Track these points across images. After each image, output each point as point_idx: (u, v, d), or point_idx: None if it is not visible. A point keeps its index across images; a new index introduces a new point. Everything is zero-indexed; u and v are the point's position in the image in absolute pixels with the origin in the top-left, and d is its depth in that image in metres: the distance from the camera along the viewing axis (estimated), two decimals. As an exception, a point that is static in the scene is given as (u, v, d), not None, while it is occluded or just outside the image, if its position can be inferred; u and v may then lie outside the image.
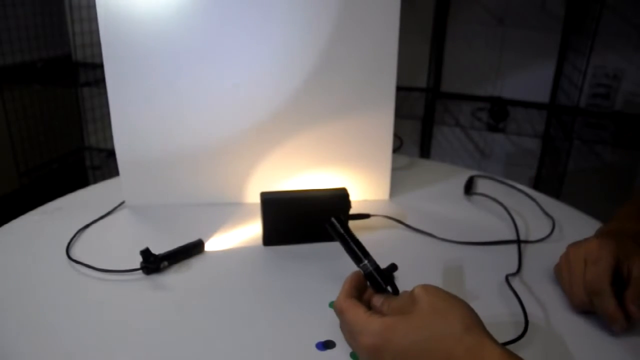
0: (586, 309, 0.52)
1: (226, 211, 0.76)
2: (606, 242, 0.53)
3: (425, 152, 1.94)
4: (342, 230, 0.49)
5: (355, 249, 0.48)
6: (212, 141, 0.75)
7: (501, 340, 0.48)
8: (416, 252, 0.66)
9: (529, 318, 0.52)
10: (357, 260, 0.47)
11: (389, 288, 0.46)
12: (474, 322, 0.39)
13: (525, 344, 0.49)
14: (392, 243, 0.68)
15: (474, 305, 0.41)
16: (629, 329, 0.50)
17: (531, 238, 0.70)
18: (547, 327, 0.52)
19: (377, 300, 0.45)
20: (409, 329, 0.39)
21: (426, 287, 0.41)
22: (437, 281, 0.51)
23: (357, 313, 0.42)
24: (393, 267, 0.47)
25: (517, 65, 1.77)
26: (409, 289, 0.43)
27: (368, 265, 0.46)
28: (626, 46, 1.60)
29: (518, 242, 0.68)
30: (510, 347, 0.49)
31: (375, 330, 0.40)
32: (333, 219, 0.49)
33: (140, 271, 0.60)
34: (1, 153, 1.89)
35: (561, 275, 0.57)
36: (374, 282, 0.46)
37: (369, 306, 0.45)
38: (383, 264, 0.47)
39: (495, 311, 0.54)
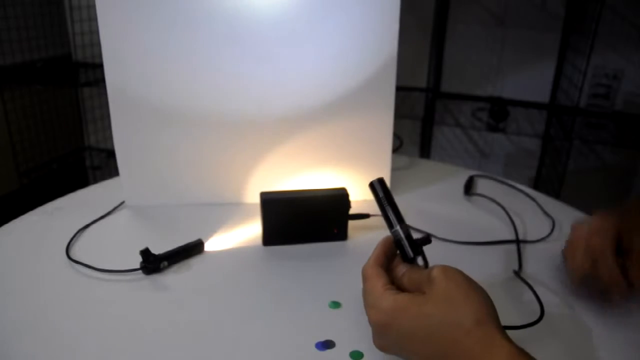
0: (585, 275, 0.53)
1: (226, 211, 0.76)
2: (609, 215, 0.55)
3: (425, 152, 1.94)
4: (381, 194, 0.48)
5: (390, 213, 0.47)
6: (212, 141, 0.75)
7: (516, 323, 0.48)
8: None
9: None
10: (390, 225, 0.46)
11: (420, 260, 0.45)
12: (488, 315, 0.38)
13: (537, 335, 0.49)
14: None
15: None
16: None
17: (531, 238, 0.70)
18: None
19: (400, 270, 0.44)
20: (418, 313, 0.39)
21: (446, 270, 0.40)
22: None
23: (375, 285, 0.42)
24: (426, 239, 0.46)
25: (517, 65, 1.77)
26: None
27: (399, 231, 0.45)
28: (626, 46, 1.60)
29: (517, 242, 0.68)
30: (527, 331, 0.49)
31: (386, 307, 0.40)
32: (375, 181, 0.49)
33: (140, 271, 0.60)
34: (1, 153, 1.89)
35: (566, 251, 0.57)
36: (403, 250, 0.45)
37: (393, 274, 0.45)
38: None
39: (500, 308, 0.54)
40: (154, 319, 0.52)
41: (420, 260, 0.45)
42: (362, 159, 0.79)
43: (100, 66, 0.70)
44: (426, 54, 1.85)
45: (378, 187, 0.49)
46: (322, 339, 0.49)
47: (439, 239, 0.69)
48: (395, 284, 0.44)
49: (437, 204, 0.81)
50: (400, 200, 0.80)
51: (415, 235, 0.47)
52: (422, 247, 0.46)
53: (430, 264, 0.45)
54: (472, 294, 0.39)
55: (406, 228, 0.46)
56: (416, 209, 0.78)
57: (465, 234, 0.70)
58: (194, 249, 0.64)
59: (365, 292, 0.43)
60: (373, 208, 0.77)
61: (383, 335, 0.41)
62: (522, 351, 0.36)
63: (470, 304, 0.38)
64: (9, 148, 1.89)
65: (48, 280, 0.59)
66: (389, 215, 0.47)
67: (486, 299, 0.40)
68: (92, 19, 1.85)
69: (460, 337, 0.37)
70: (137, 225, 0.73)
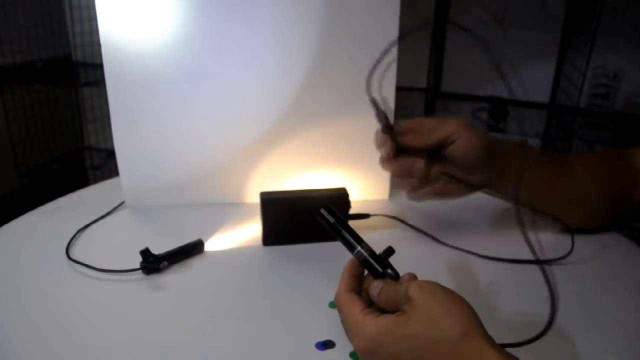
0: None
1: (226, 211, 0.76)
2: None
3: (425, 152, 1.94)
4: (332, 220, 0.48)
5: (347, 236, 0.47)
6: (212, 141, 0.75)
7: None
8: (417, 250, 0.66)
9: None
10: (350, 248, 0.47)
11: (390, 272, 0.45)
12: (472, 326, 0.37)
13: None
14: (392, 242, 0.68)
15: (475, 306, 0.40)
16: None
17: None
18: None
19: (375, 287, 0.44)
20: (402, 335, 0.38)
21: (422, 287, 0.40)
22: (439, 279, 0.51)
23: (353, 312, 0.42)
24: (389, 251, 0.46)
25: (517, 65, 1.77)
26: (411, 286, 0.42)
27: (362, 251, 0.46)
28: (626, 46, 1.60)
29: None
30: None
31: (368, 334, 0.40)
32: (322, 210, 0.49)
33: (140, 271, 0.60)
34: (1, 153, 1.89)
35: None
36: (370, 268, 0.45)
37: (368, 295, 0.44)
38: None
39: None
40: (154, 319, 0.52)
41: (390, 273, 0.45)
42: (362, 159, 0.79)
43: (100, 66, 0.70)
44: (426, 54, 1.85)
45: (327, 216, 0.48)
46: (322, 339, 0.49)
47: (439, 242, 0.69)
48: (374, 304, 0.44)
49: (437, 203, 0.80)
50: (400, 199, 0.81)
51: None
52: (387, 260, 0.46)
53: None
54: (453, 306, 0.38)
55: (367, 246, 0.46)
56: (416, 209, 0.78)
57: (465, 234, 0.70)
58: (194, 249, 0.64)
59: (344, 321, 0.43)
60: (373, 208, 0.77)
61: None
62: (511, 357, 0.36)
63: (452, 318, 0.38)
64: (9, 148, 1.89)
65: (48, 280, 0.59)
66: (347, 238, 0.47)
67: (468, 310, 0.39)
68: (92, 19, 1.85)
69: (448, 353, 0.36)
70: (137, 225, 0.73)
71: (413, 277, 0.44)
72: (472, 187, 0.64)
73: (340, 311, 0.43)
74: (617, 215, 0.69)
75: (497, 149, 0.63)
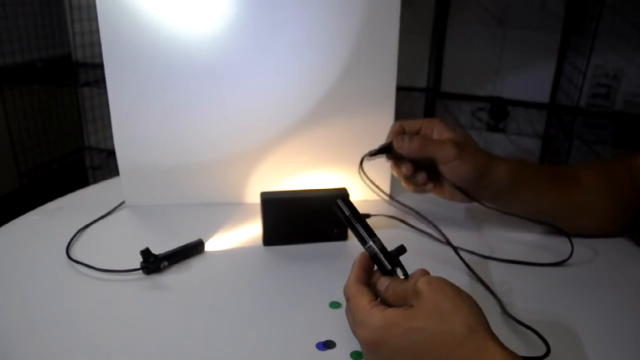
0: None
1: (226, 211, 0.76)
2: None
3: (425, 152, 1.94)
4: (347, 212, 0.48)
5: (361, 230, 0.47)
6: (212, 141, 0.75)
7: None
8: (418, 250, 0.66)
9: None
10: (363, 242, 0.47)
11: (399, 271, 0.45)
12: (479, 323, 0.38)
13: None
14: (393, 242, 0.68)
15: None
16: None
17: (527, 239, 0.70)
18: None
19: (382, 284, 0.44)
20: (409, 328, 0.38)
21: (431, 282, 0.40)
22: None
23: (361, 302, 0.42)
24: (401, 250, 0.46)
25: (517, 65, 1.77)
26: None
27: (373, 246, 0.45)
28: (626, 46, 1.60)
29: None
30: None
31: (375, 325, 0.40)
32: (339, 201, 0.49)
33: (140, 271, 0.60)
34: (1, 153, 1.89)
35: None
36: (380, 264, 0.45)
37: (375, 290, 0.44)
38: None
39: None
40: (154, 319, 0.52)
41: (399, 272, 0.45)
42: (362, 159, 0.79)
43: (100, 66, 0.70)
44: (426, 54, 1.85)
45: (344, 206, 0.48)
46: (323, 339, 0.49)
47: (440, 241, 0.69)
48: (380, 299, 0.43)
49: (436, 203, 0.80)
50: (400, 200, 0.81)
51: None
52: (398, 258, 0.45)
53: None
54: (460, 303, 0.39)
55: (379, 242, 0.46)
56: (417, 209, 0.78)
57: (464, 234, 0.70)
58: (194, 249, 0.64)
59: (351, 311, 0.43)
60: (373, 208, 0.77)
61: (375, 353, 0.40)
62: (516, 356, 0.36)
63: (460, 313, 0.38)
64: (9, 148, 1.89)
65: (48, 280, 0.59)
66: (360, 232, 0.47)
67: (475, 307, 0.39)
68: (92, 19, 1.85)
69: (454, 348, 0.36)
70: (137, 225, 0.73)
71: (425, 272, 0.43)
72: (468, 197, 0.67)
73: (348, 301, 0.43)
74: (634, 220, 0.69)
75: (489, 177, 0.64)
